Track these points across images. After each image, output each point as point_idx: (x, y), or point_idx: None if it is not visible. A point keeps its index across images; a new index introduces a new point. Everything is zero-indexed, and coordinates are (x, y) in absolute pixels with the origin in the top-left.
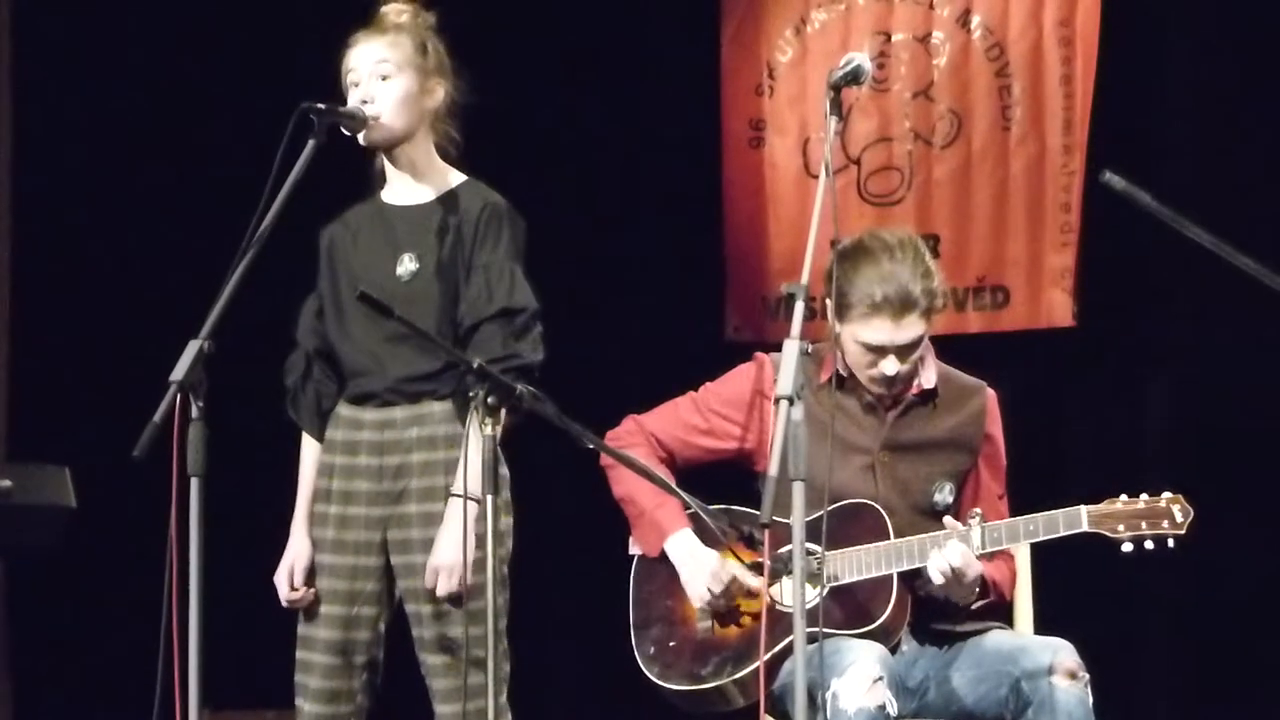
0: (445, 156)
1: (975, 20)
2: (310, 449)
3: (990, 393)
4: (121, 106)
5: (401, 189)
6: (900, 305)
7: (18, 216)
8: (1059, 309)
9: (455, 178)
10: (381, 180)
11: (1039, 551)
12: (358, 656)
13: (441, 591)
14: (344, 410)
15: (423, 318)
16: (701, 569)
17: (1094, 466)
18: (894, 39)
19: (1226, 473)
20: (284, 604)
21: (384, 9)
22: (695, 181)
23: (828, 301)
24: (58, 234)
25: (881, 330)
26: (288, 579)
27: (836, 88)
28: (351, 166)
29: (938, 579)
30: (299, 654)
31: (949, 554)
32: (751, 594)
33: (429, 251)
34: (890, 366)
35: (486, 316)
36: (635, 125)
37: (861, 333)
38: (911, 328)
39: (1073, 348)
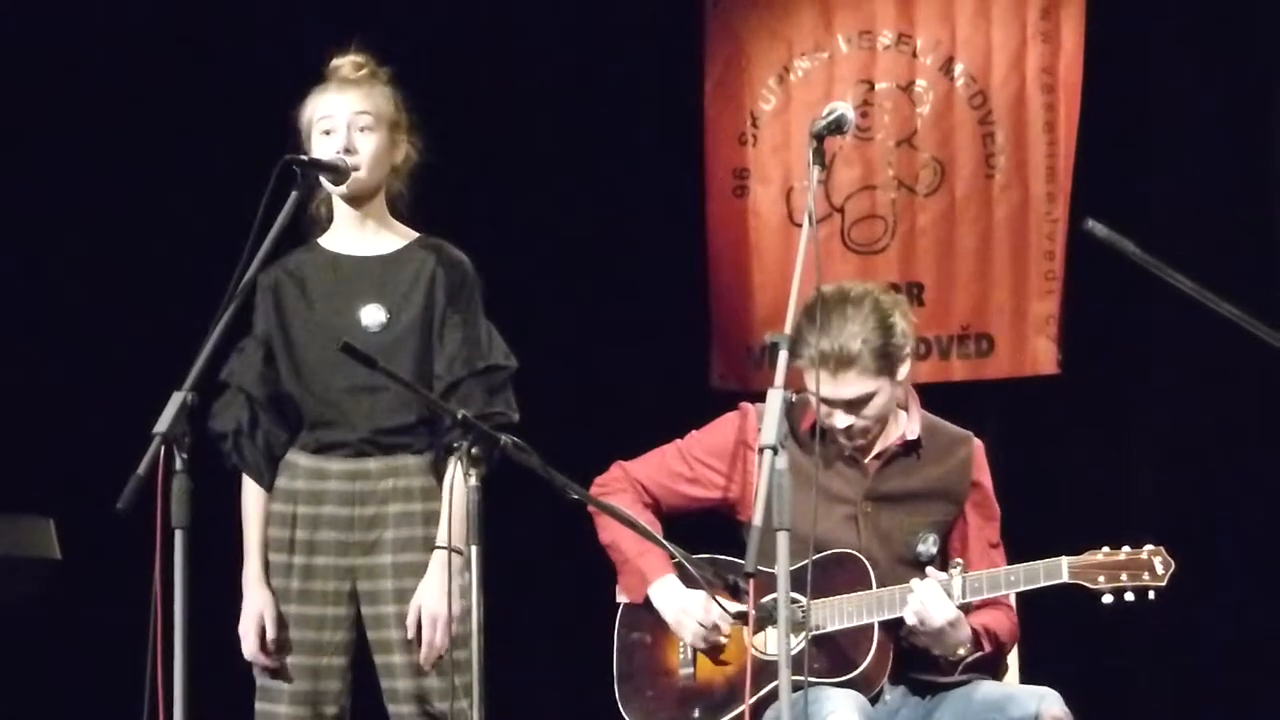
0: (393, 210)
1: (958, 68)
2: (257, 499)
3: (977, 443)
4: (103, 157)
5: (357, 239)
6: (837, 361)
7: None
8: (1043, 357)
9: (409, 231)
10: (320, 226)
11: (1025, 600)
12: (329, 707)
13: (433, 640)
14: (302, 459)
15: (396, 369)
16: (687, 610)
17: (1077, 515)
18: (877, 87)
19: (1210, 521)
20: (250, 658)
21: (338, 61)
22: (679, 230)
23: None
24: (38, 285)
25: (822, 385)
26: (258, 632)
27: (819, 136)
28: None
29: (910, 619)
30: (261, 705)
31: (922, 591)
32: (738, 627)
33: (400, 304)
34: (839, 420)
35: (468, 374)
36: (619, 174)
37: (810, 384)
38: (852, 384)
39: (1057, 396)
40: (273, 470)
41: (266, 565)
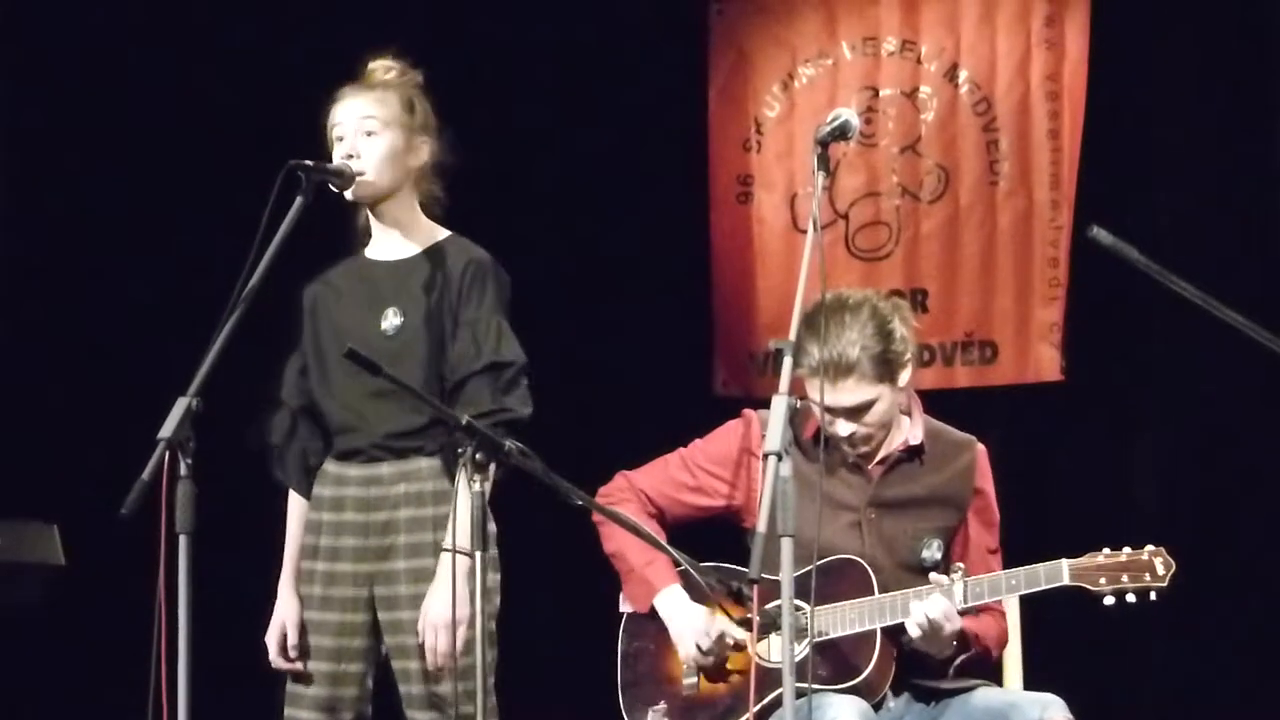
0: (430, 214)
1: (962, 75)
2: (297, 507)
3: (980, 448)
4: (111, 161)
5: (386, 244)
6: (836, 369)
7: (3, 273)
8: (1047, 363)
9: (440, 233)
10: (365, 237)
11: (1029, 605)
12: (345, 714)
13: (436, 648)
14: (330, 466)
15: (408, 372)
16: (690, 625)
17: (1080, 522)
18: (881, 94)
19: (1212, 526)
20: (272, 663)
21: (371, 65)
22: (683, 237)
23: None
24: (44, 290)
25: (822, 393)
26: (279, 639)
27: (824, 143)
28: (336, 223)
29: (914, 631)
30: (287, 711)
31: (928, 606)
32: (739, 648)
33: (413, 306)
34: (842, 428)
35: (474, 371)
36: (623, 180)
37: (811, 393)
38: (851, 392)
39: (1060, 402)
40: (309, 479)
41: (299, 573)
